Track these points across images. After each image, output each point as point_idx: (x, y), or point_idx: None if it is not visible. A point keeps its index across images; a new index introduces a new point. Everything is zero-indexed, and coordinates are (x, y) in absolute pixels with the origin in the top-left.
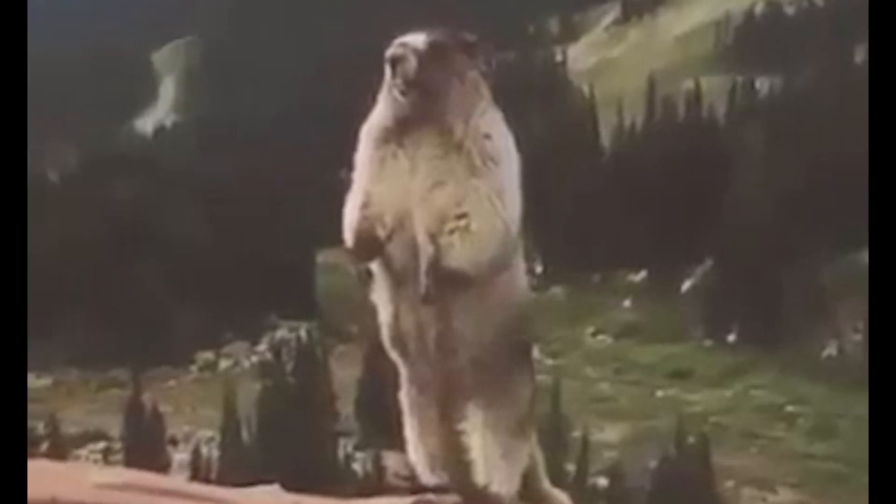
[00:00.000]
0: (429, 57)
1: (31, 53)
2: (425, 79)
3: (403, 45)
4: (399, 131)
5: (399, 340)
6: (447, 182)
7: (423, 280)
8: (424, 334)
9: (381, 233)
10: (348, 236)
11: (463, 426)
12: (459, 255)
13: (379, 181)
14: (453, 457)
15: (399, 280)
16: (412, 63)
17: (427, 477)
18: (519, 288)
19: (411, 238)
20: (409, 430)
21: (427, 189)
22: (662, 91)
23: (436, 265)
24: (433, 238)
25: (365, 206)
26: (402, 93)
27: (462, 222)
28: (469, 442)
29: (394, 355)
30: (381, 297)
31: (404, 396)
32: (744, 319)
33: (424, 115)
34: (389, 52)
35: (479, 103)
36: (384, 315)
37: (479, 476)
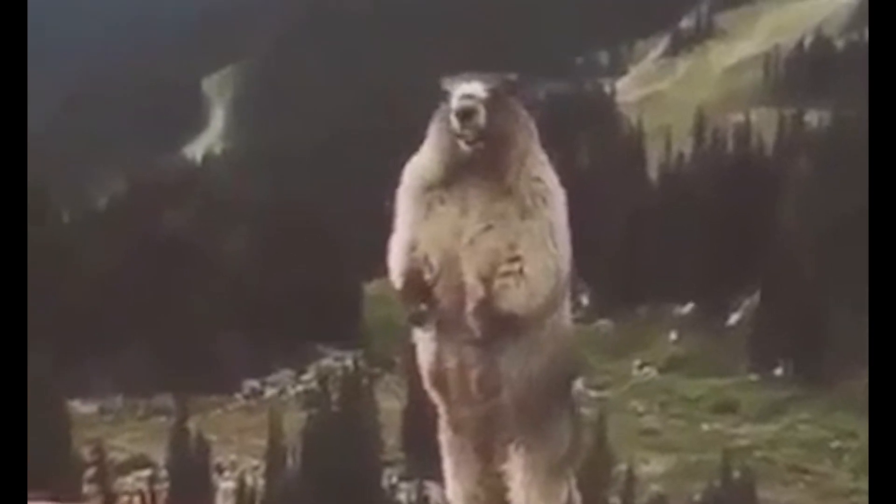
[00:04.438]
0: (493, 106)
1: (81, 80)
2: (493, 128)
3: (470, 97)
4: (449, 177)
5: (440, 380)
6: (497, 225)
7: (474, 324)
8: (467, 374)
9: (429, 276)
10: (396, 279)
11: (503, 467)
12: (513, 297)
13: (425, 225)
14: (492, 497)
15: (443, 322)
16: (482, 115)
17: None
18: (564, 325)
19: (458, 281)
20: (448, 469)
21: (477, 232)
22: (711, 123)
23: (487, 308)
24: (484, 281)
25: (411, 249)
26: (469, 142)
27: (516, 266)
28: (508, 483)
29: (433, 395)
30: (422, 337)
31: (442, 435)
32: (791, 353)
33: (484, 161)
34: (458, 105)
35: (532, 145)
36: (425, 355)
37: None
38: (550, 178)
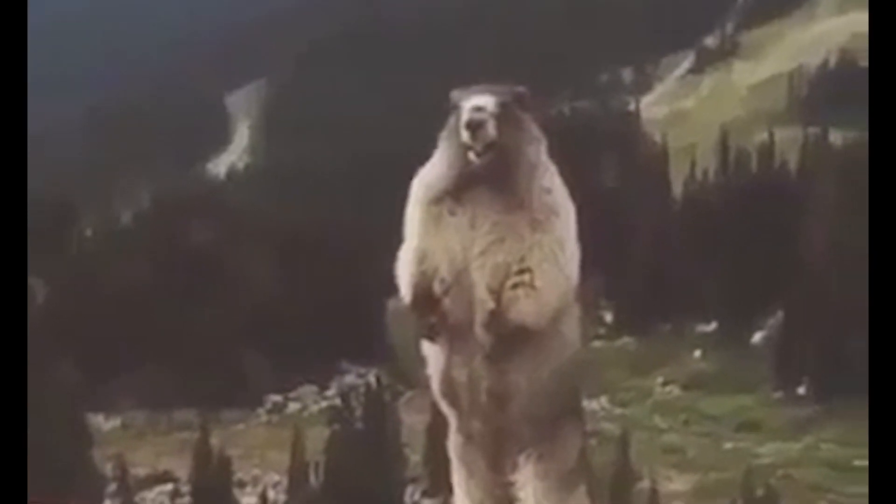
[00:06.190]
0: (503, 118)
1: (106, 98)
2: (502, 141)
3: (480, 109)
4: (459, 189)
5: (450, 392)
6: (508, 238)
7: (484, 335)
8: (477, 386)
9: (438, 288)
10: (406, 292)
11: (513, 477)
12: (523, 309)
13: (434, 237)
14: None
15: (453, 333)
16: (492, 127)
17: None
18: (572, 337)
19: (467, 293)
20: (457, 480)
21: (487, 245)
22: (735, 142)
23: (497, 320)
24: (494, 293)
25: (420, 261)
26: (478, 154)
27: (525, 277)
28: (519, 493)
29: (443, 406)
30: (432, 349)
31: (452, 446)
32: (814, 372)
33: (494, 174)
34: (467, 118)
35: (542, 158)
36: (435, 367)
37: None
38: (560, 191)
